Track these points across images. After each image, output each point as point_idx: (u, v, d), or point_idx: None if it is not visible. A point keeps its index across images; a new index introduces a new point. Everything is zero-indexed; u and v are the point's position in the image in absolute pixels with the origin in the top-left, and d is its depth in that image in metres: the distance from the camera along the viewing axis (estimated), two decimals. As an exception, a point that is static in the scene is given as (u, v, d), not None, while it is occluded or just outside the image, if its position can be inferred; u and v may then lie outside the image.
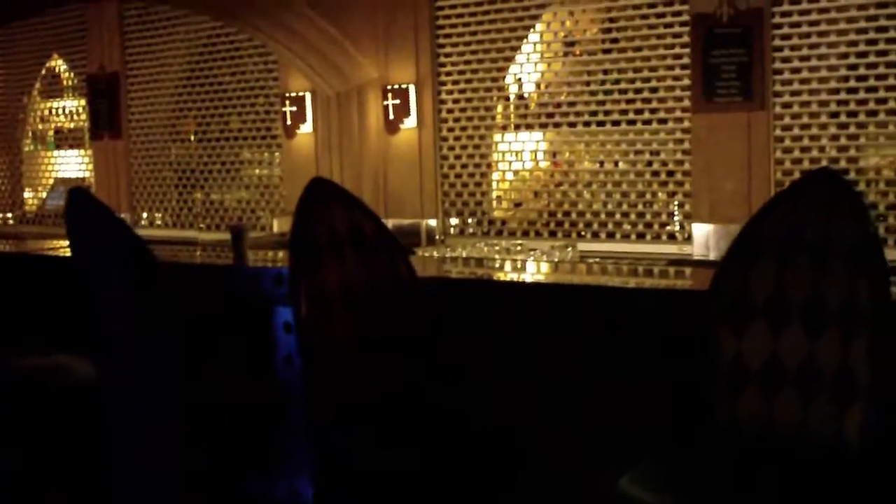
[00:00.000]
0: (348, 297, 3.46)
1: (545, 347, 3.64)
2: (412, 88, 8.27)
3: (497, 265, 4.86)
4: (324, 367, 3.29)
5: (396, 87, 8.30)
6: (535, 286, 3.98)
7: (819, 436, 2.98)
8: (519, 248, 6.04)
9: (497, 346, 3.72)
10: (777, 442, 3.07)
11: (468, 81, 8.19)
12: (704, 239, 6.96)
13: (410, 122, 8.32)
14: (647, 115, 7.36)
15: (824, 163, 6.65)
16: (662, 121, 7.29)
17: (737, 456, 3.12)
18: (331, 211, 3.60)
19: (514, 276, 4.24)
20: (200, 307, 4.16)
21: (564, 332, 3.63)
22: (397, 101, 8.28)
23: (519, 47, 7.97)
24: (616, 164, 7.63)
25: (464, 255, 6.00)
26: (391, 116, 8.33)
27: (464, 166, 8.27)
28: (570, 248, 5.88)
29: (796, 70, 6.72)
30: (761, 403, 3.11)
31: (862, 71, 6.54)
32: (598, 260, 5.66)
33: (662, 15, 7.23)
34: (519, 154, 8.08)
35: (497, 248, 5.94)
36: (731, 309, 3.18)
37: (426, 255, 6.25)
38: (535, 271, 4.50)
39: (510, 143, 8.14)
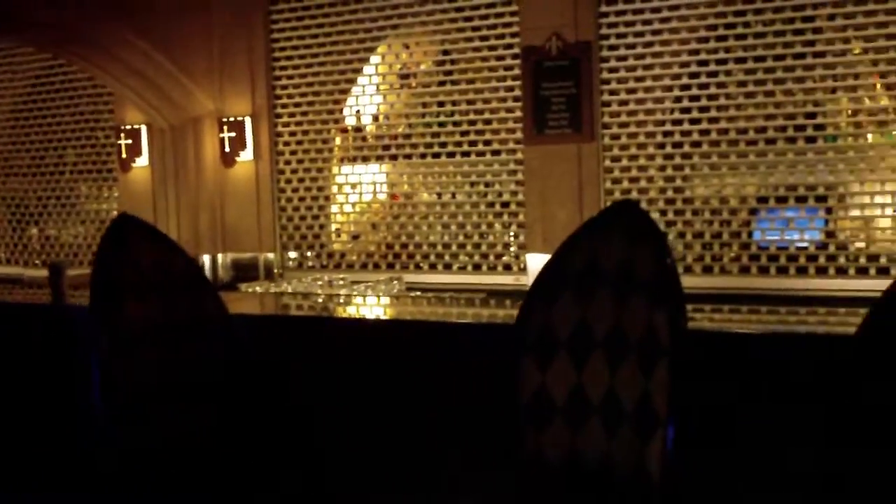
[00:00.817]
0: (151, 338, 3.36)
1: (358, 381, 3.60)
2: (248, 121, 8.18)
3: (317, 300, 4.81)
4: (121, 412, 3.18)
5: (232, 119, 8.19)
6: (343, 321, 3.93)
7: (622, 465, 3.00)
8: (341, 281, 5.98)
9: (311, 381, 3.66)
10: (582, 472, 3.08)
11: (304, 114, 8.14)
12: (539, 269, 7.01)
13: (247, 155, 8.22)
14: (481, 147, 7.41)
15: (652, 193, 6.79)
16: (496, 152, 7.34)
17: (543, 488, 3.13)
18: (135, 248, 3.50)
19: (330, 312, 4.20)
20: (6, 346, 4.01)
21: (373, 363, 3.60)
22: (233, 134, 8.17)
23: (355, 79, 7.96)
24: (453, 195, 7.65)
25: (289, 289, 5.93)
26: (227, 149, 8.21)
27: (301, 199, 8.20)
28: (395, 282, 5.86)
29: (624, 102, 6.85)
30: (566, 435, 3.12)
31: (686, 103, 6.71)
32: (419, 293, 5.63)
33: (494, 48, 7.29)
34: (357, 186, 8.05)
35: (320, 282, 5.87)
36: (535, 342, 3.20)
37: (250, 290, 6.15)
38: (356, 305, 4.46)
39: (347, 175, 8.10)
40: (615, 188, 6.88)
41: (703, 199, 6.82)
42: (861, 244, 6.40)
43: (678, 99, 6.75)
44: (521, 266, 7.26)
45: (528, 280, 7.08)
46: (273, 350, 3.66)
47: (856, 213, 6.45)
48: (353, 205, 8.14)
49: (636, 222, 3.12)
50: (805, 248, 6.44)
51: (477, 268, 7.43)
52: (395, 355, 3.57)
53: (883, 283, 3.04)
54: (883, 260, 6.16)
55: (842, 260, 6.31)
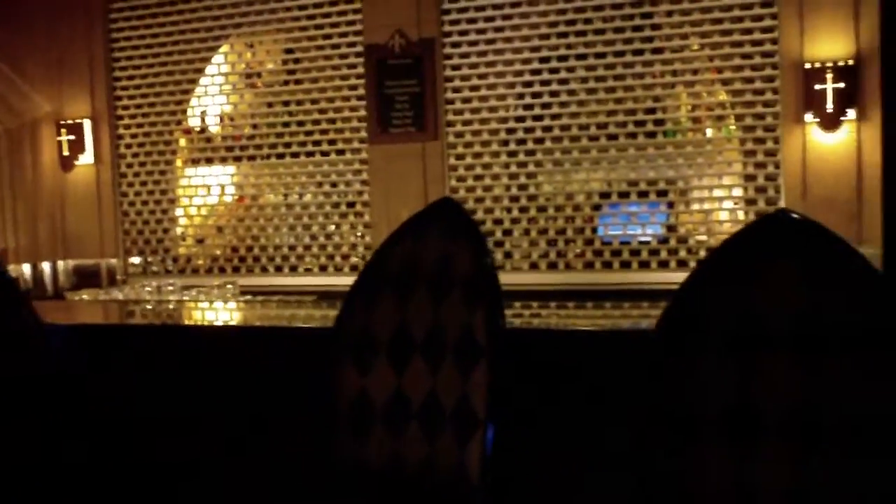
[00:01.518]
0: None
1: (170, 389, 3.47)
2: (87, 123, 7.91)
3: (137, 307, 4.64)
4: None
5: (71, 122, 7.91)
6: (153, 328, 3.78)
7: (443, 468, 2.93)
8: (170, 287, 5.80)
9: (138, 390, 3.51)
10: (404, 478, 3.01)
11: (146, 115, 7.91)
12: (386, 269, 6.94)
13: (87, 159, 7.95)
14: (326, 147, 7.30)
15: (497, 190, 6.78)
16: (341, 152, 7.25)
17: (362, 495, 3.04)
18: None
19: (145, 318, 4.05)
20: None
21: (186, 370, 3.47)
22: (72, 137, 7.89)
23: (198, 80, 7.77)
24: (300, 196, 7.53)
25: (119, 296, 5.73)
26: (66, 153, 7.94)
27: (145, 203, 7.97)
28: (229, 286, 5.72)
29: (467, 100, 6.82)
30: (388, 441, 3.04)
31: (529, 100, 6.71)
32: (250, 297, 5.49)
33: (338, 46, 7.19)
34: (202, 189, 7.86)
35: (149, 289, 5.69)
36: (355, 346, 3.11)
37: (76, 298, 5.93)
38: (177, 311, 4.32)
39: (191, 178, 7.91)
40: (460, 186, 6.85)
41: (548, 195, 6.83)
42: (702, 237, 6.49)
43: (521, 96, 6.75)
44: (369, 267, 7.17)
45: (376, 281, 7.01)
46: (82, 361, 3.50)
47: (696, 206, 6.53)
48: (199, 208, 7.95)
49: (454, 220, 3.06)
50: (647, 243, 6.51)
51: (324, 269, 7.32)
52: (212, 361, 3.45)
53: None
54: (722, 253, 6.24)
55: (683, 253, 6.39)
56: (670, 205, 6.54)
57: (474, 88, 6.80)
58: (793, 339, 2.22)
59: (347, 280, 7.08)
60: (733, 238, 2.31)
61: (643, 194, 6.52)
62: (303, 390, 3.21)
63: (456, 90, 6.83)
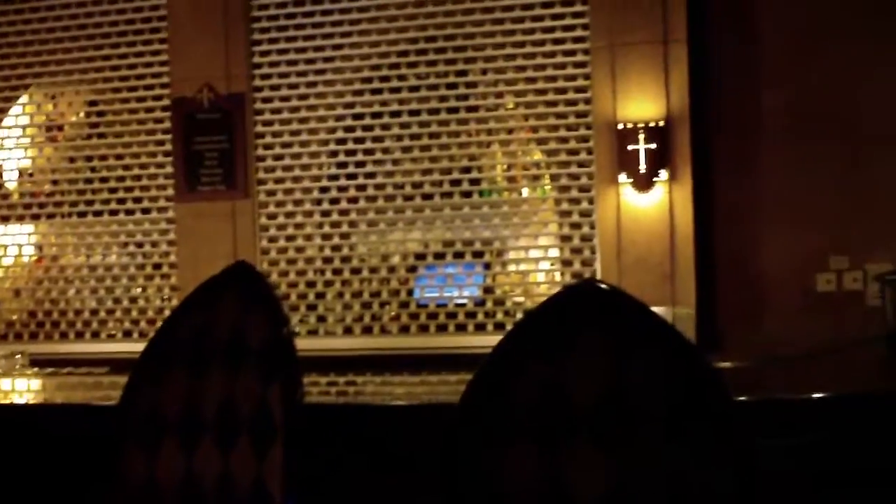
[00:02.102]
0: None
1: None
2: None
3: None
4: None
5: None
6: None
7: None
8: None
9: None
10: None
11: (-65, 170, 7.39)
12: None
13: None
14: (131, 205, 6.93)
15: (310, 251, 6.55)
16: (147, 210, 6.89)
17: None
18: None
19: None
20: None
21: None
22: None
23: (-6, 133, 7.29)
24: (103, 257, 7.13)
25: None
26: None
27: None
28: (18, 356, 5.30)
29: (279, 157, 6.59)
30: (176, 530, 2.77)
31: (342, 157, 6.53)
32: (38, 369, 5.11)
33: (143, 99, 6.87)
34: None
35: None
36: (141, 426, 2.83)
37: None
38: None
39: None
40: (271, 247, 6.59)
41: (362, 256, 6.64)
42: (519, 299, 6.39)
43: (334, 153, 6.56)
44: (176, 331, 6.82)
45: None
46: None
47: (512, 267, 6.44)
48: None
49: (250, 287, 2.84)
50: (464, 305, 6.36)
51: (128, 335, 6.93)
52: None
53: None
54: (539, 314, 6.15)
55: (500, 315, 6.28)
56: (487, 266, 6.43)
57: (286, 145, 6.58)
58: (599, 416, 2.06)
59: (152, 345, 6.76)
60: (538, 310, 2.17)
61: (459, 255, 6.39)
62: (83, 478, 2.92)
63: (267, 147, 6.59)
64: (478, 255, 6.37)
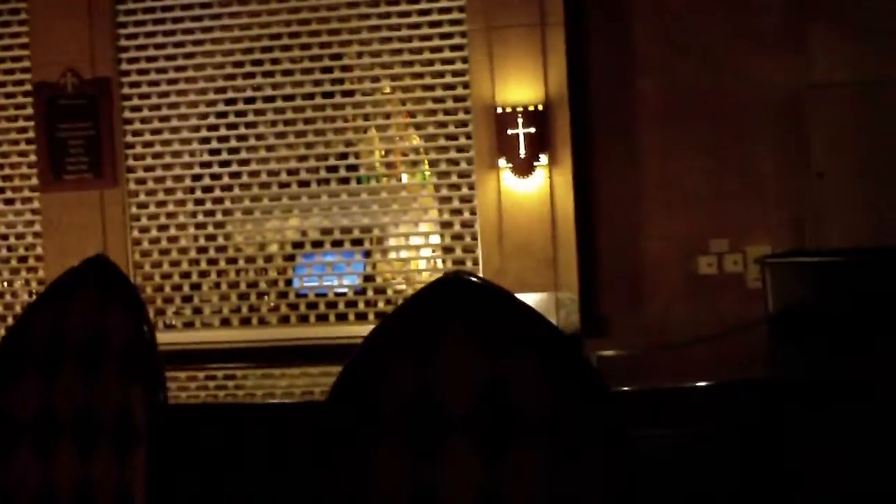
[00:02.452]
0: None
1: None
2: None
3: None
4: None
5: None
6: None
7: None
8: None
9: None
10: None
11: None
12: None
13: None
14: (-7, 196, 6.62)
15: (183, 241, 6.34)
16: (10, 201, 6.58)
17: None
18: None
19: None
20: None
21: None
22: None
23: None
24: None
25: None
26: None
27: None
28: None
29: (149, 143, 6.35)
30: (32, 542, 2.60)
31: (214, 144, 6.32)
32: None
33: (3, 84, 6.56)
34: None
35: None
36: (-8, 431, 2.66)
37: None
38: None
39: None
40: (143, 237, 6.37)
41: (238, 245, 6.46)
42: (400, 286, 6.28)
43: (206, 140, 6.34)
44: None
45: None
46: None
47: (393, 255, 6.33)
48: None
49: (109, 282, 2.67)
50: (344, 294, 6.23)
51: (-8, 331, 6.63)
52: None
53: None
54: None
55: (381, 304, 6.17)
56: (367, 254, 6.30)
57: (156, 132, 6.35)
58: (471, 420, 1.96)
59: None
60: (404, 305, 2.05)
61: (338, 243, 6.25)
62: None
63: (136, 133, 6.35)
64: (357, 242, 6.24)
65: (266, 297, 6.32)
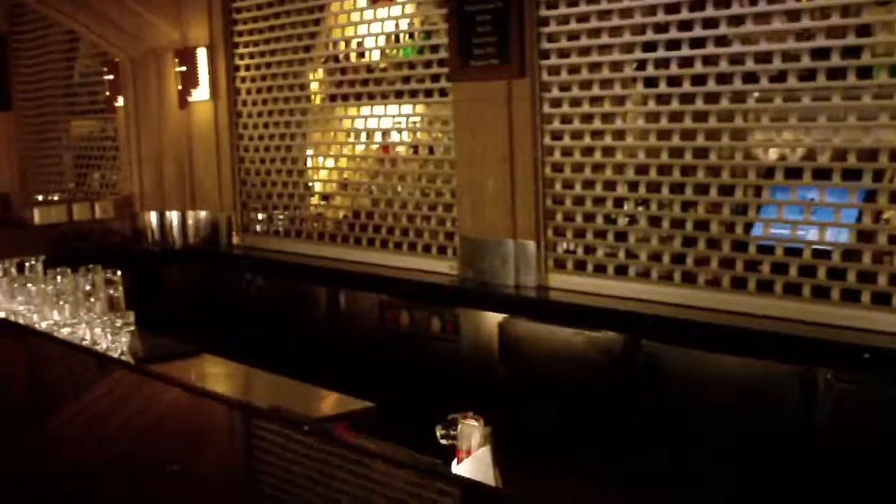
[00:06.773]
0: None
1: None
2: (202, 52, 6.53)
3: None
4: None
5: (184, 50, 6.59)
6: None
7: None
8: None
9: None
10: None
11: (267, 42, 6.32)
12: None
13: (201, 94, 6.58)
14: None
15: (605, 156, 4.53)
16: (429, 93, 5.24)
17: None
18: None
19: None
20: None
21: None
22: (183, 69, 6.56)
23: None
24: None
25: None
26: (180, 87, 6.62)
27: (266, 149, 6.44)
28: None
29: (564, 19, 4.58)
30: None
31: (660, 16, 4.33)
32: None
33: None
34: (339, 134, 6.10)
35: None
36: None
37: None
38: None
39: (329, 120, 6.19)
40: (555, 145, 4.67)
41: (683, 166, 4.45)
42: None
43: (650, 9, 4.39)
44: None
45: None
46: None
47: None
48: (331, 158, 6.24)
49: None
50: (827, 256, 3.95)
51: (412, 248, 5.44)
52: None
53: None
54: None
55: (882, 279, 3.81)
56: (867, 194, 3.91)
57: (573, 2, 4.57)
58: None
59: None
60: None
61: (822, 174, 3.96)
62: None
63: (550, 5, 4.62)
64: (852, 175, 3.90)
65: (719, 245, 4.28)
